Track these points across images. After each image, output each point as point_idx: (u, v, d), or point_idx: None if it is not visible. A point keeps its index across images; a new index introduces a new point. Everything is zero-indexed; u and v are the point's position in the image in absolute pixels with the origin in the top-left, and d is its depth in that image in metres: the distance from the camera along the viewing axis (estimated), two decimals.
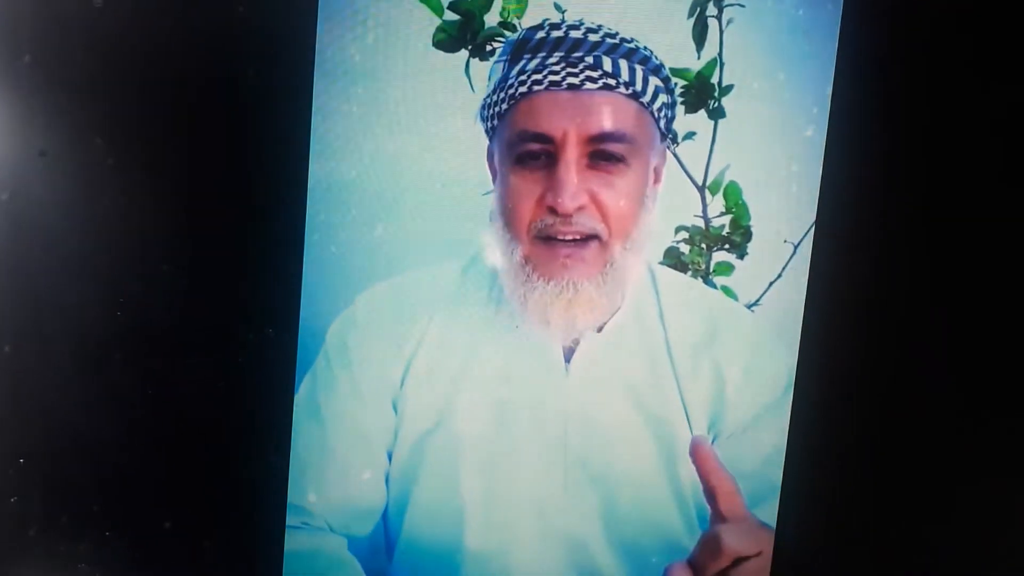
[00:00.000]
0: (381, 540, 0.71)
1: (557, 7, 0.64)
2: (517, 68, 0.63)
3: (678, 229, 0.68)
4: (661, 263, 0.68)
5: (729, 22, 0.65)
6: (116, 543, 0.70)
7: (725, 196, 0.67)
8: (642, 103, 0.64)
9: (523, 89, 0.63)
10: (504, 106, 0.64)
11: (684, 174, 0.67)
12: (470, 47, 0.65)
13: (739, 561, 0.63)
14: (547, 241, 0.64)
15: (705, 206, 0.67)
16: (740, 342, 0.68)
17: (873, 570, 0.72)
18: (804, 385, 0.68)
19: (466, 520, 0.69)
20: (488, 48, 0.65)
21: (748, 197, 0.67)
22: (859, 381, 0.69)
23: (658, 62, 0.64)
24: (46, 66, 0.63)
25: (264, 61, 0.64)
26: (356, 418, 0.69)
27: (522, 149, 0.64)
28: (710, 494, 0.64)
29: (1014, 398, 0.69)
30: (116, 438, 0.68)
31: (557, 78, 0.63)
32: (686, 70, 0.65)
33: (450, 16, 0.64)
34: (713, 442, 0.69)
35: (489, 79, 0.65)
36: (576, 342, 0.68)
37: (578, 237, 0.64)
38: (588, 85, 0.63)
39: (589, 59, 0.63)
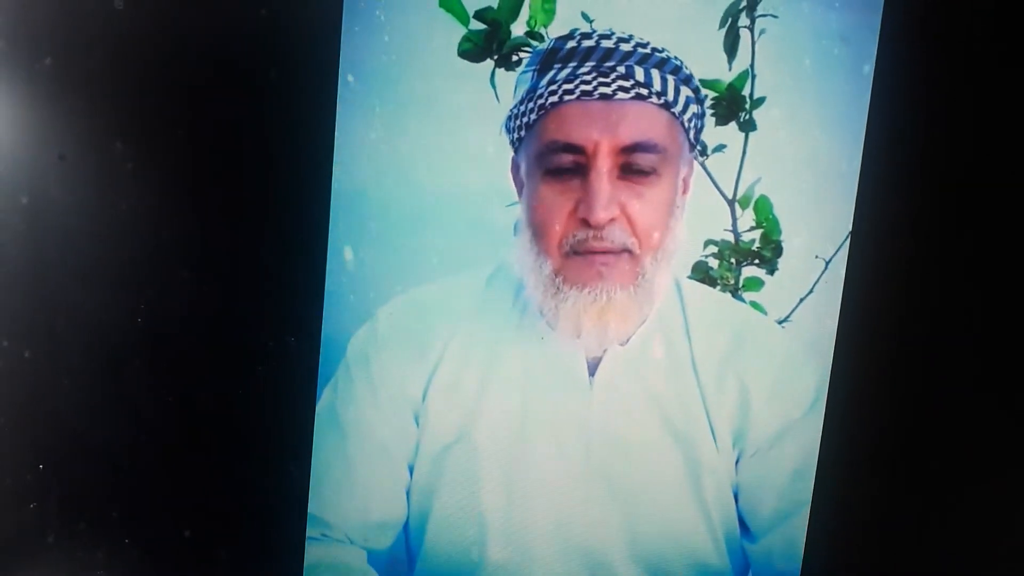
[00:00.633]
0: (401, 553, 0.71)
1: (585, 16, 0.63)
2: (547, 78, 0.62)
3: (707, 243, 0.67)
4: (689, 277, 0.67)
5: (762, 33, 0.63)
6: (134, 551, 0.70)
7: (755, 210, 0.66)
8: (673, 113, 0.63)
9: (553, 99, 0.62)
10: (532, 116, 0.63)
11: (714, 187, 0.66)
12: (496, 57, 0.64)
13: None
14: (580, 255, 0.63)
15: (735, 220, 0.66)
16: (768, 358, 0.67)
17: None
18: (836, 402, 0.67)
19: (487, 534, 0.69)
20: (514, 58, 0.63)
21: (779, 211, 0.66)
22: (891, 398, 0.68)
23: (688, 72, 0.63)
24: (67, 69, 0.62)
25: (288, 71, 0.63)
26: (377, 431, 0.68)
27: (552, 160, 0.62)
28: None
29: None
30: (135, 446, 0.68)
31: (589, 88, 0.62)
32: (717, 81, 0.64)
33: (476, 25, 0.63)
34: (738, 460, 0.68)
35: (515, 89, 0.64)
36: (600, 356, 0.68)
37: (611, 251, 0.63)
38: (620, 95, 0.62)
39: (621, 69, 0.62)
